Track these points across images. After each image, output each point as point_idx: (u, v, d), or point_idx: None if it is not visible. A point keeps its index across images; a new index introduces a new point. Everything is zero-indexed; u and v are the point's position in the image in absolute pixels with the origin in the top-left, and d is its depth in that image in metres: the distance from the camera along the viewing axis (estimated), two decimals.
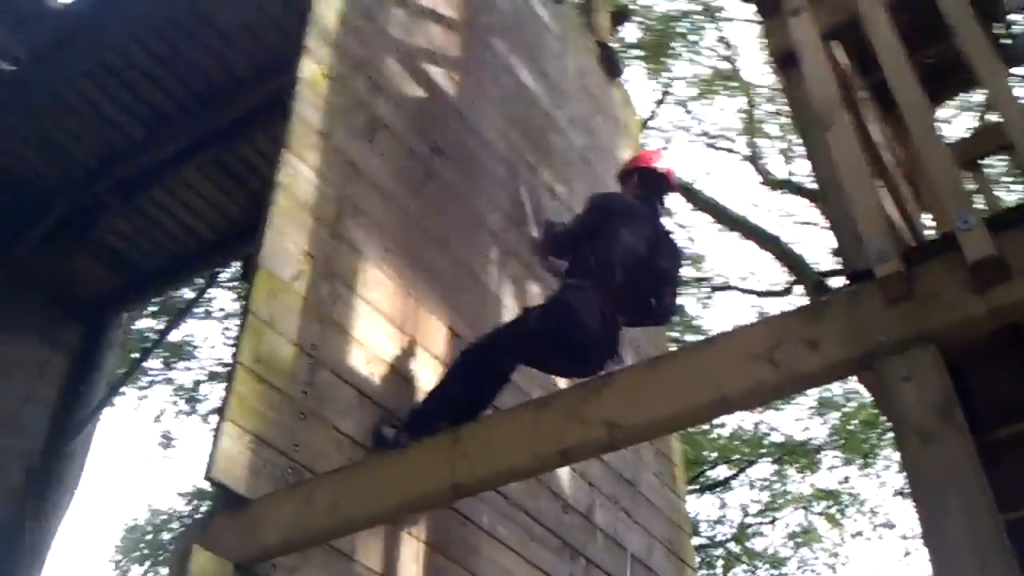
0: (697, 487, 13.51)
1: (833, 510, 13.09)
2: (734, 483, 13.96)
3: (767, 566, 13.18)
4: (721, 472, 14.07)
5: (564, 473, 4.54)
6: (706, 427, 13.96)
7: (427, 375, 3.93)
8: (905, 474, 2.33)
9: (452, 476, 2.50)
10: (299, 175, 3.65)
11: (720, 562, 13.54)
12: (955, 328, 1.96)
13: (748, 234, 12.09)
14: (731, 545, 13.61)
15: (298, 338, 3.38)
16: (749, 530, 13.54)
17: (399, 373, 3.80)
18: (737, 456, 13.81)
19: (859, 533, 13.08)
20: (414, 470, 2.62)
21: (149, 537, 15.60)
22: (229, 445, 2.95)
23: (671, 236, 4.10)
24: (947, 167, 2.11)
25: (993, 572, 1.71)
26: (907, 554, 12.74)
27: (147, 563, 15.54)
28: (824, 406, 13.74)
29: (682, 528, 5.38)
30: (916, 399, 1.90)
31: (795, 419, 14.06)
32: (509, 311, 4.68)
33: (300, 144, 3.72)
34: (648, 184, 4.13)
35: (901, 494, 12.75)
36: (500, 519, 3.95)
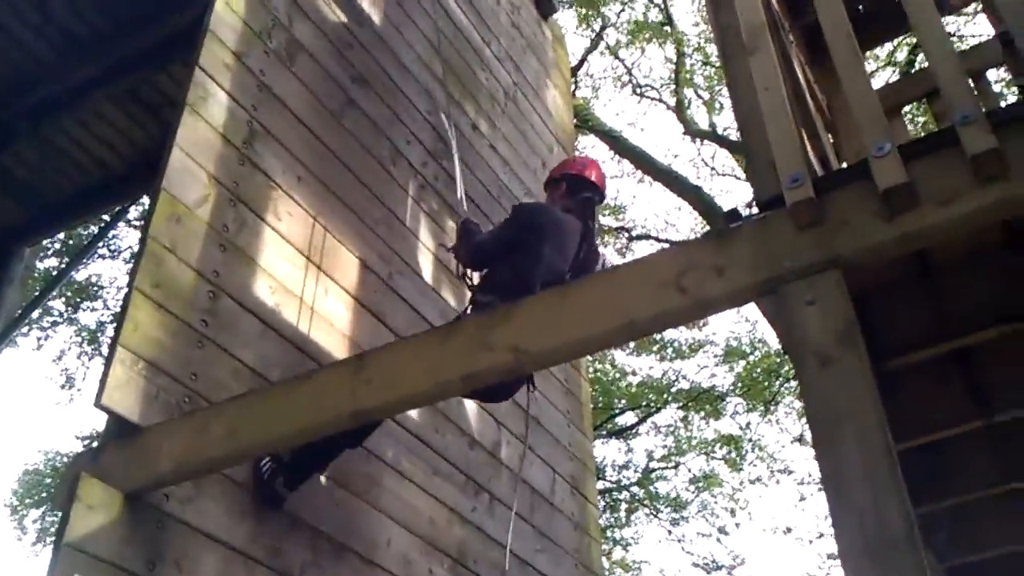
0: (604, 433, 13.76)
1: (734, 456, 13.50)
2: (640, 429, 14.28)
3: (669, 509, 13.55)
4: (628, 419, 14.37)
5: (471, 410, 4.53)
6: (616, 375, 14.21)
7: (336, 307, 3.84)
8: (802, 400, 2.36)
9: (353, 403, 2.44)
10: (209, 96, 3.49)
11: (624, 505, 13.88)
12: (864, 254, 1.97)
13: (670, 183, 12.21)
14: (635, 489, 13.94)
15: (199, 265, 3.25)
16: (653, 475, 13.88)
17: (306, 304, 3.70)
18: (644, 403, 14.10)
19: (758, 479, 13.53)
20: (315, 397, 2.54)
21: (48, 482, 15.17)
22: (121, 372, 2.83)
23: (597, 250, 3.82)
24: (867, 94, 2.11)
25: (885, 500, 1.73)
26: (802, 499, 13.23)
27: (44, 508, 15.14)
28: (730, 355, 14.11)
29: (586, 466, 5.44)
30: (818, 323, 1.90)
31: (701, 367, 14.42)
32: (423, 247, 4.61)
33: (212, 64, 3.55)
34: (577, 193, 3.84)
35: (799, 441, 13.23)
36: (405, 453, 3.92)
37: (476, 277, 3.93)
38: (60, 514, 2.60)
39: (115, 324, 3.05)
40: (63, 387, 13.67)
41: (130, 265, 12.89)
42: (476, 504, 4.27)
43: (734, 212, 2.26)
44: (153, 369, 2.92)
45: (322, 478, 3.43)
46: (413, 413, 4.00)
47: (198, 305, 3.18)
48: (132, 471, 2.70)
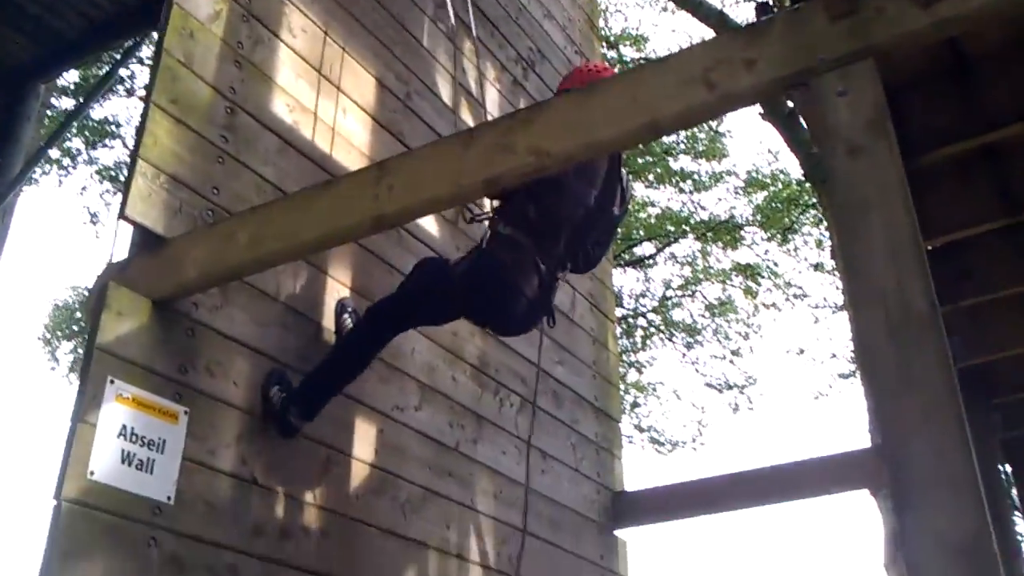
0: (623, 262, 13.87)
1: (750, 284, 13.63)
2: (658, 259, 14.38)
3: (684, 334, 13.82)
4: (647, 249, 14.44)
5: None
6: (635, 207, 14.19)
7: (354, 126, 3.80)
8: (829, 192, 2.35)
9: (376, 208, 2.45)
10: None
11: (640, 332, 14.16)
12: (898, 41, 1.91)
13: (694, 9, 11.75)
14: (652, 316, 14.18)
15: (216, 81, 3.19)
16: (669, 302, 14.08)
17: (324, 123, 3.65)
18: (662, 234, 14.13)
19: (773, 304, 13.71)
20: (337, 203, 2.54)
21: (78, 316, 15.56)
22: (143, 185, 2.83)
23: (622, 173, 3.45)
24: None
25: (909, 282, 1.74)
26: (816, 322, 13.44)
27: (76, 341, 15.59)
28: (751, 186, 14.01)
29: (605, 284, 5.51)
30: (849, 113, 1.86)
31: (720, 199, 14.36)
32: (442, 68, 4.50)
33: None
34: None
35: (816, 267, 13.30)
36: None
37: (487, 204, 3.65)
38: (90, 322, 2.67)
39: (135, 139, 3.03)
40: (88, 223, 13.81)
41: None
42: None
43: (765, 5, 2.18)
44: (174, 182, 2.92)
45: (347, 290, 3.49)
46: (432, 229, 4.03)
47: (216, 121, 3.15)
48: (159, 280, 2.75)
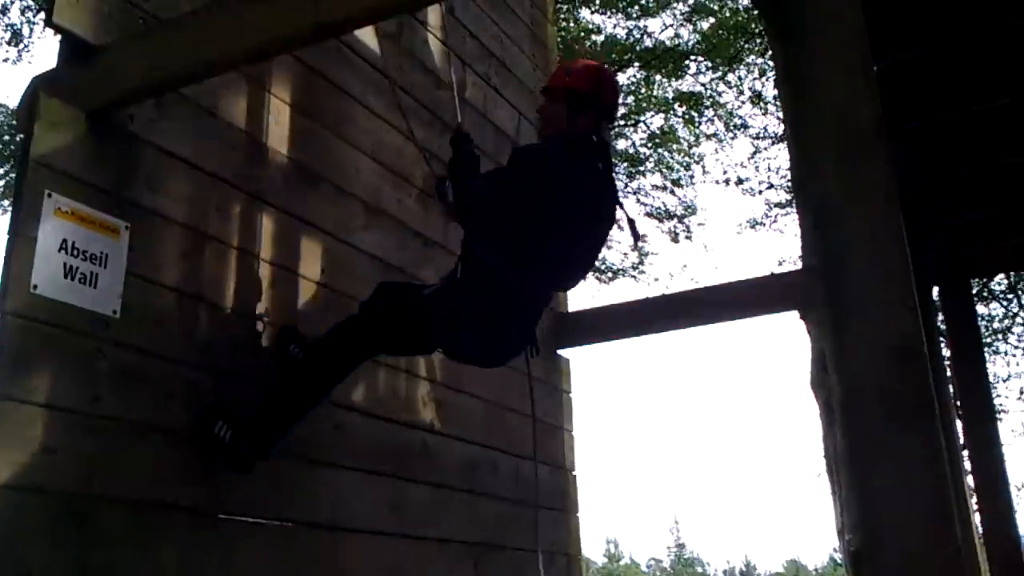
0: None
1: (692, 114, 13.57)
2: None
3: (626, 164, 13.83)
4: None
5: (435, 48, 4.42)
6: (580, 33, 13.83)
7: None
8: (784, 11, 2.32)
9: (316, 15, 2.34)
10: None
11: None
12: None
13: None
14: None
15: None
16: (612, 132, 14.00)
17: None
18: (607, 63, 13.87)
19: (714, 135, 13.73)
20: (276, 11, 2.43)
21: (7, 139, 14.89)
22: None
23: (612, 183, 3.07)
24: None
25: (859, 106, 1.75)
26: (756, 152, 13.54)
27: (7, 165, 14.99)
28: (697, 12, 13.71)
29: None
30: None
31: (667, 25, 14.06)
32: None
33: None
34: (588, 112, 2.94)
35: (757, 98, 13.28)
36: (372, 90, 3.87)
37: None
38: (23, 135, 2.56)
39: None
40: (10, 43, 12.99)
41: None
42: (441, 143, 4.30)
43: None
44: None
45: (286, 107, 3.40)
46: (374, 46, 3.90)
47: None
48: (92, 89, 2.63)
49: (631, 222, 3.19)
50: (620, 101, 3.26)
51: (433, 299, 2.86)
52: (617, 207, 3.04)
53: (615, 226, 3.16)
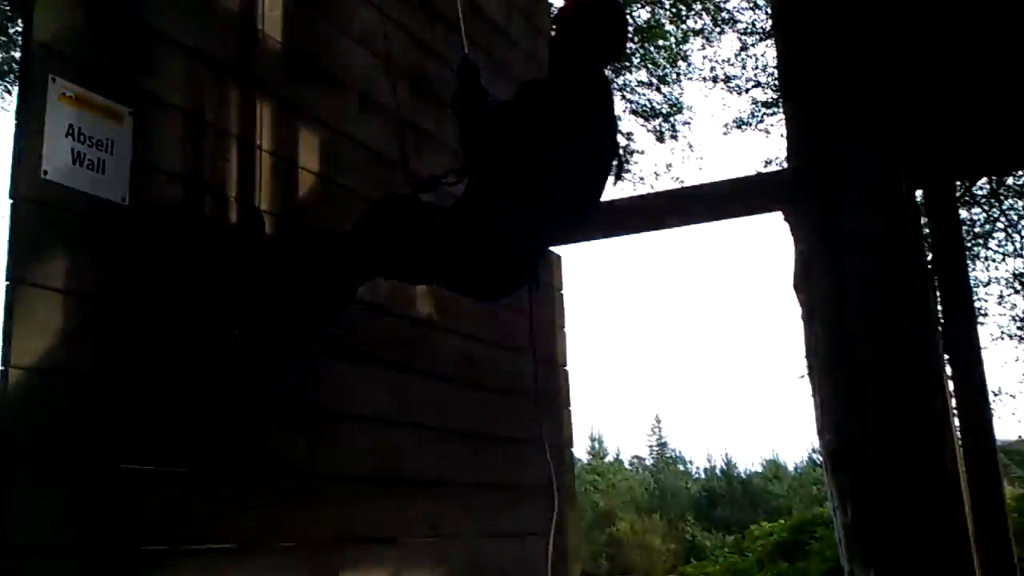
0: None
1: (680, 6, 13.32)
2: None
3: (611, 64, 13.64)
4: None
5: None
6: None
7: None
8: None
9: None
10: None
11: None
12: None
13: None
14: None
15: None
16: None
17: None
18: None
19: (701, 30, 13.53)
20: None
21: None
22: None
23: (615, 119, 3.11)
24: None
25: None
26: (743, 49, 13.39)
27: None
28: None
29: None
30: None
31: None
32: None
33: None
34: (578, 43, 2.93)
35: None
36: None
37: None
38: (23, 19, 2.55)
39: None
40: None
41: None
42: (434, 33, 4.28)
43: None
44: None
45: None
46: None
47: None
48: None
49: (619, 159, 3.21)
50: (623, 34, 3.16)
51: (442, 234, 2.82)
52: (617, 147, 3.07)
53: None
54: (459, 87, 3.00)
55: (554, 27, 3.08)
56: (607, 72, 3.08)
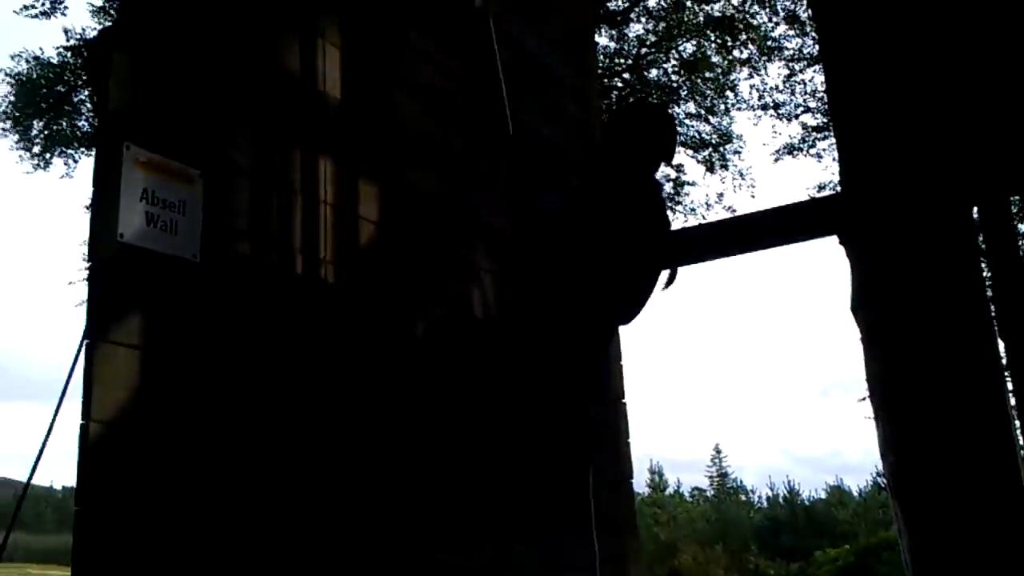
0: (594, 19, 13.51)
1: (725, 38, 13.40)
2: (631, 15, 14.01)
3: (659, 93, 13.73)
4: (618, 3, 14.04)
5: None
6: None
7: None
8: None
9: None
10: None
11: (615, 93, 14.06)
12: None
13: None
14: (626, 76, 14.03)
15: None
16: (644, 61, 13.89)
17: None
18: None
19: (747, 60, 13.57)
20: None
21: (45, 91, 15.02)
22: None
23: (667, 223, 3.06)
24: None
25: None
26: (791, 75, 13.38)
27: (46, 118, 15.15)
28: None
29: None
30: None
31: None
32: None
33: None
34: (644, 147, 2.91)
35: (792, 18, 13.07)
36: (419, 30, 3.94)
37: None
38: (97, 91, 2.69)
39: None
40: None
41: None
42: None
43: None
44: None
45: None
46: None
47: None
48: (159, 41, 2.75)
49: (672, 267, 3.04)
50: (673, 139, 3.09)
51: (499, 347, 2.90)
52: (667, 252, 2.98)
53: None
54: (510, 165, 3.00)
55: (602, 133, 3.06)
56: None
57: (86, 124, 13.90)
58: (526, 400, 3.03)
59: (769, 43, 13.35)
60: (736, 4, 13.47)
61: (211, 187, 2.79)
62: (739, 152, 13.91)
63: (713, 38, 13.39)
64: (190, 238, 2.69)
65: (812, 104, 13.22)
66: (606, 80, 13.68)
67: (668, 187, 13.93)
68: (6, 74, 13.92)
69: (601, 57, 13.75)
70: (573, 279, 2.79)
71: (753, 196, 15.31)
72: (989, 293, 4.91)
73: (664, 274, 2.97)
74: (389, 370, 3.25)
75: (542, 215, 2.88)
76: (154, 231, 2.59)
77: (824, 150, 13.49)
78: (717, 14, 13.49)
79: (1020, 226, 12.42)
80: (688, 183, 14.29)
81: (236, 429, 2.72)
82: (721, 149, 13.87)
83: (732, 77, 13.72)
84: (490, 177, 4.19)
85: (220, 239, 2.81)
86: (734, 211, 14.14)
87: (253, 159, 3.01)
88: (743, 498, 39.03)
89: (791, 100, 13.55)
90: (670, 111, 2.81)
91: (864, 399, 11.38)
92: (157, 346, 2.55)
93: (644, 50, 13.86)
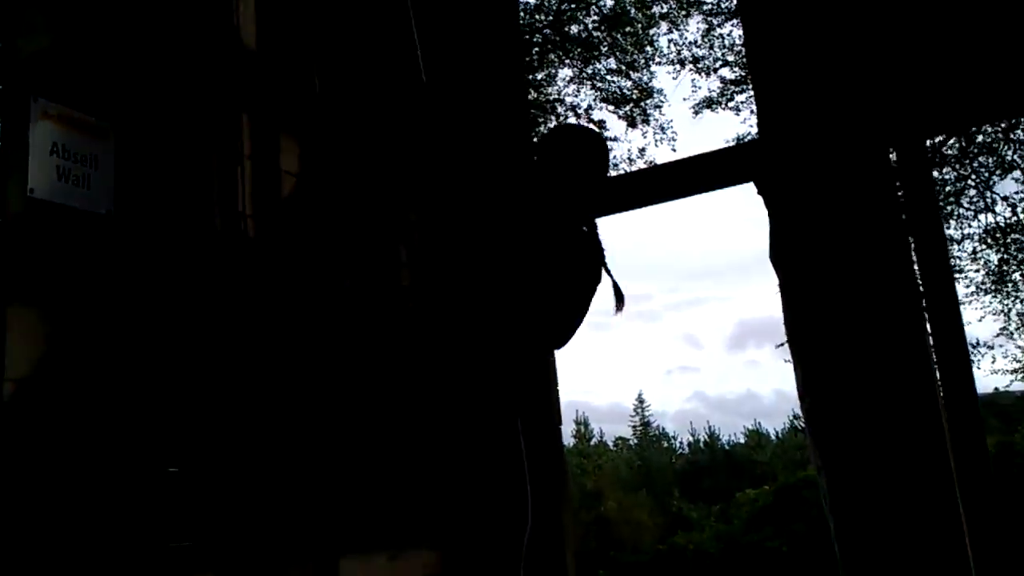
0: None
1: None
2: None
3: (580, 50, 13.71)
4: None
5: None
6: None
7: None
8: None
9: None
10: None
11: (536, 49, 13.99)
12: None
13: None
14: (547, 32, 13.96)
15: None
16: (565, 16, 13.83)
17: None
18: None
19: (666, 15, 13.62)
20: None
21: None
22: None
23: (601, 250, 2.91)
24: None
25: None
26: (709, 29, 13.49)
27: None
28: None
29: None
30: None
31: None
32: None
33: None
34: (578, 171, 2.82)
35: None
36: None
37: None
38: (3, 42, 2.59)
39: None
40: None
41: None
42: None
43: None
44: None
45: None
46: None
47: None
48: None
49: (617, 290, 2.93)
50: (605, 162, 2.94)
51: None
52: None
53: None
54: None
55: (536, 155, 2.91)
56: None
57: None
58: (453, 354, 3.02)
59: None
60: None
61: (125, 141, 2.72)
62: (660, 107, 14.01)
63: None
64: (103, 192, 2.63)
65: (730, 58, 13.39)
66: (527, 36, 13.61)
67: None
68: None
69: (523, 13, 13.66)
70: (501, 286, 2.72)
71: (674, 150, 15.44)
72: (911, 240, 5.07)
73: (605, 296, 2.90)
74: (312, 326, 3.24)
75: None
76: (65, 186, 2.52)
77: (742, 103, 13.69)
78: None
79: (945, 174, 12.88)
80: (610, 139, 14.36)
81: (152, 384, 2.68)
82: (642, 104, 13.95)
83: (652, 32, 13.78)
84: (411, 130, 4.17)
85: (135, 193, 2.74)
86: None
87: (168, 112, 2.94)
88: (665, 444, 40.04)
89: (710, 54, 13.68)
90: (601, 135, 2.74)
91: (782, 344, 11.73)
92: (71, 302, 2.50)
93: (564, 6, 13.80)
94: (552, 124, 14.09)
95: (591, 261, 2.82)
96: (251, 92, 3.29)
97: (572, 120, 13.73)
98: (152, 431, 2.64)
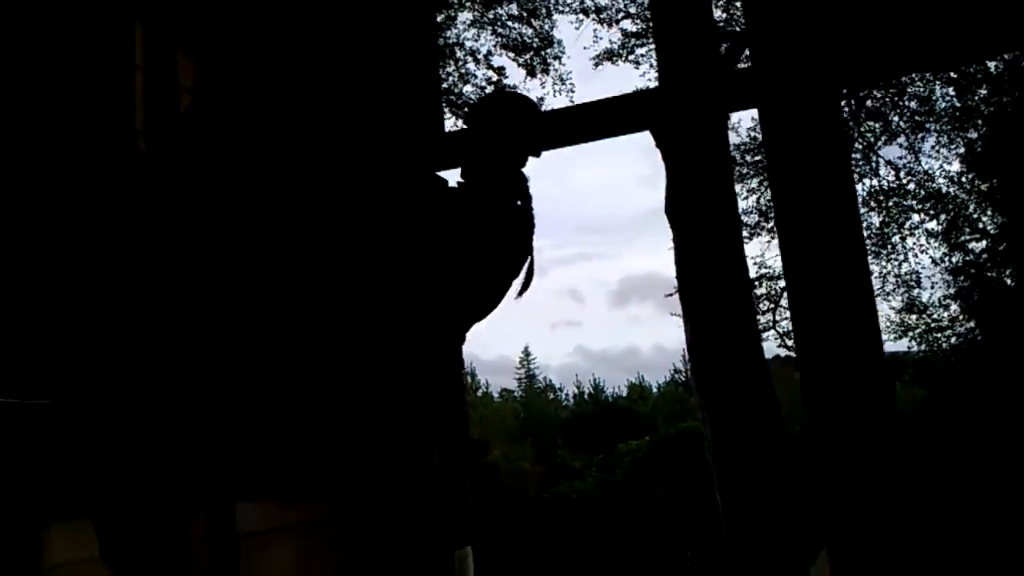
0: None
1: None
2: None
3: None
4: None
5: None
6: None
7: None
8: None
9: None
10: None
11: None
12: None
13: None
14: None
15: None
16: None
17: None
18: None
19: None
20: None
21: None
22: None
23: (532, 225, 2.90)
24: None
25: None
26: None
27: None
28: None
29: None
30: None
31: None
32: None
33: None
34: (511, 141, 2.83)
35: None
36: None
37: None
38: None
39: None
40: None
41: None
42: None
43: None
44: None
45: None
46: None
47: None
48: None
49: (529, 270, 2.88)
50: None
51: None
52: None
53: None
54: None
55: (465, 125, 2.89)
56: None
57: None
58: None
59: None
60: None
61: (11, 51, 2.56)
62: (560, 57, 14.03)
63: None
64: None
65: (632, 10, 13.46)
66: None
67: (491, 90, 13.93)
68: None
69: None
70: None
71: (572, 101, 15.52)
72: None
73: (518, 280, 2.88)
74: (208, 249, 3.14)
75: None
76: None
77: (643, 56, 13.81)
78: None
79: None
80: (509, 87, 14.30)
81: (37, 306, 2.57)
82: (543, 53, 13.93)
83: None
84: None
85: (15, 105, 2.59)
86: None
87: (50, 16, 2.77)
88: (552, 396, 40.79)
89: (612, 4, 13.72)
90: (536, 102, 2.75)
91: (672, 294, 12.01)
92: None
93: None
94: (451, 70, 13.93)
95: (523, 236, 2.77)
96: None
97: (480, 70, 13.61)
98: (33, 358, 2.53)
